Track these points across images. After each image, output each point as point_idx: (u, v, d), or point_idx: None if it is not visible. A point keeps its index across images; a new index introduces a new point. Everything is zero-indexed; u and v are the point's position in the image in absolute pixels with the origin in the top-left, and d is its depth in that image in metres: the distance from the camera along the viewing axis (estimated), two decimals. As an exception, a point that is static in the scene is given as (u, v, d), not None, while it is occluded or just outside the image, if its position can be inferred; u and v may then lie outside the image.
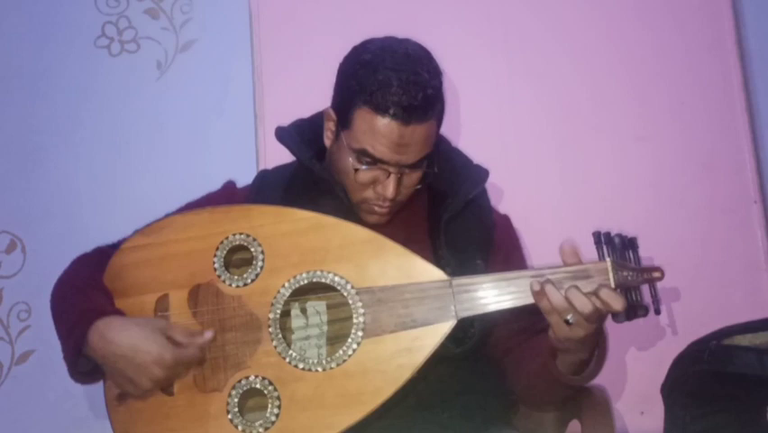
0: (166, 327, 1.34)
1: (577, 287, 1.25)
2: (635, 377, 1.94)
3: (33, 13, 2.13)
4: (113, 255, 1.45)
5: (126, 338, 1.32)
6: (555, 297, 1.25)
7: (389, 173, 1.40)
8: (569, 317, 1.25)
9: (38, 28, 2.13)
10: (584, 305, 1.24)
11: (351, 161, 1.41)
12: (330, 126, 1.48)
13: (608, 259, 1.27)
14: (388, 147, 1.38)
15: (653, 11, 2.10)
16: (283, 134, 1.54)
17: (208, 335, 1.34)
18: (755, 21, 2.12)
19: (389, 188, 1.40)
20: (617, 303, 1.24)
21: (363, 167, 1.40)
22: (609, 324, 1.32)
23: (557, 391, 1.44)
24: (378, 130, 1.37)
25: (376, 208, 1.45)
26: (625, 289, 1.27)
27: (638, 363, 1.94)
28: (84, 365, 1.40)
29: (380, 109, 1.36)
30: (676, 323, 1.92)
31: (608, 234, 1.29)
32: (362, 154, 1.40)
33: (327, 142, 1.50)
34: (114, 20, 2.14)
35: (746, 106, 2.06)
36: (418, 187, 1.46)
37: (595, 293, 1.25)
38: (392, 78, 1.36)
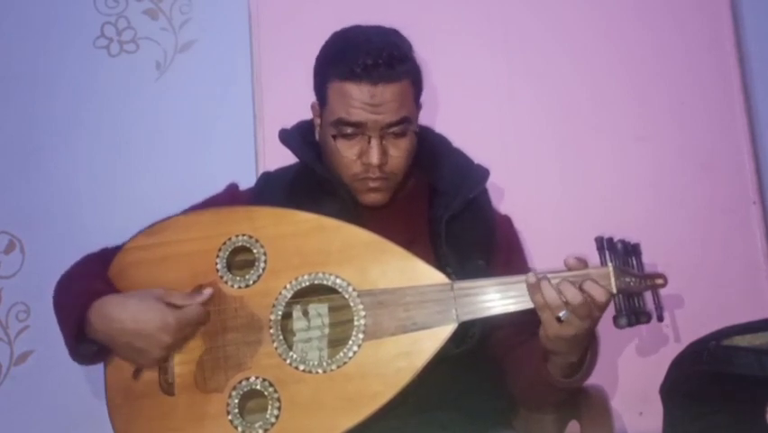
0: (163, 294, 1.35)
1: (569, 280, 1.26)
2: (634, 377, 1.94)
3: (33, 14, 2.13)
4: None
5: (125, 312, 1.33)
6: (548, 292, 1.25)
7: (370, 138, 1.42)
8: (561, 314, 1.25)
9: (37, 28, 2.13)
10: (574, 295, 1.24)
11: (331, 135, 1.44)
12: (316, 119, 1.52)
13: (609, 264, 1.27)
14: (361, 108, 1.40)
15: (652, 11, 2.10)
16: (286, 136, 1.55)
17: (208, 291, 1.36)
18: (755, 21, 2.12)
19: (373, 153, 1.42)
20: (600, 294, 1.24)
21: (343, 138, 1.43)
22: (609, 326, 1.32)
23: (551, 394, 1.44)
24: (349, 95, 1.40)
25: (369, 183, 1.45)
26: (627, 295, 1.27)
27: (637, 364, 1.94)
28: (87, 349, 1.40)
29: (348, 75, 1.40)
30: (676, 324, 1.92)
31: (610, 240, 1.28)
32: (340, 124, 1.42)
33: (317, 135, 1.52)
34: (114, 20, 2.14)
35: (746, 107, 2.06)
36: (408, 154, 1.46)
37: (579, 286, 1.25)
38: (356, 45, 1.41)
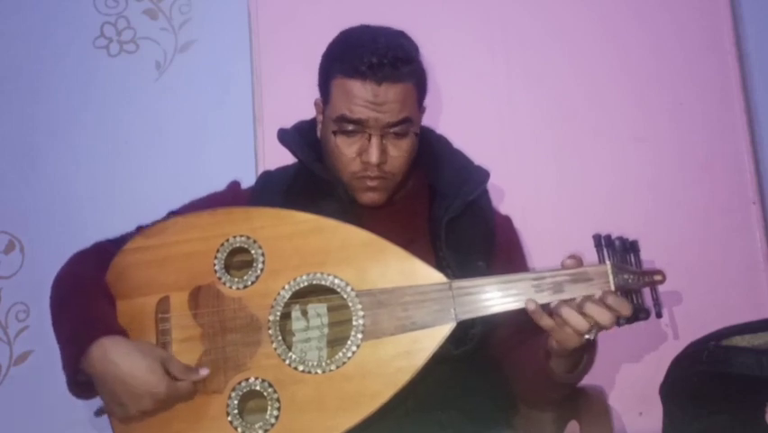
0: (167, 360, 1.33)
1: (591, 299, 1.25)
2: (634, 378, 1.94)
3: (32, 14, 2.13)
4: (113, 253, 1.44)
5: (128, 364, 1.30)
6: (576, 320, 1.25)
7: (370, 136, 1.42)
8: (589, 335, 1.26)
9: (37, 28, 2.13)
10: (606, 319, 1.24)
11: (332, 132, 1.44)
12: (319, 115, 1.52)
13: (608, 262, 1.27)
14: (363, 106, 1.40)
15: (651, 12, 2.10)
16: (285, 136, 1.55)
17: (203, 372, 1.34)
18: (754, 21, 2.12)
19: (372, 151, 1.42)
20: (626, 309, 1.25)
21: (344, 135, 1.43)
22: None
23: (555, 391, 1.45)
24: (352, 92, 1.41)
25: (368, 182, 1.45)
26: (625, 292, 1.27)
27: (637, 364, 1.95)
28: (80, 375, 1.38)
29: (352, 72, 1.40)
30: (675, 324, 1.92)
31: (608, 237, 1.29)
32: (341, 120, 1.43)
33: (318, 132, 1.52)
34: (113, 20, 2.14)
35: (745, 107, 2.06)
36: (407, 155, 1.46)
37: (602, 301, 1.25)
38: (362, 43, 1.42)
